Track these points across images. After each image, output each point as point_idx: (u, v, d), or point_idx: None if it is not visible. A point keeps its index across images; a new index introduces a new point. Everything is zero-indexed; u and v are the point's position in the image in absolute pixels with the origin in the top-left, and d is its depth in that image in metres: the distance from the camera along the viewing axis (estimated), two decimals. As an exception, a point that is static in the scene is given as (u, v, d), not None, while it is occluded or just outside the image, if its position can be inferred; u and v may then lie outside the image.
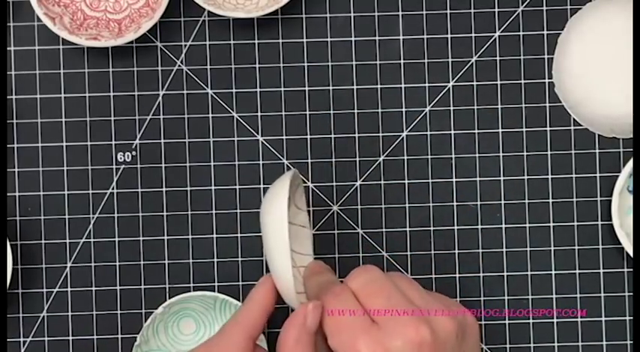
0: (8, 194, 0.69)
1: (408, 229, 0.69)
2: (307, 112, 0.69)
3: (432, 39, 0.69)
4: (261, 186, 0.69)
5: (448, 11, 0.70)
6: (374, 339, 0.52)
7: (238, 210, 0.69)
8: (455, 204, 0.69)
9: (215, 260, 0.69)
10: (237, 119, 0.69)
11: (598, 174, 0.69)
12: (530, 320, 0.69)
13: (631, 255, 0.67)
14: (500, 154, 0.69)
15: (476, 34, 0.69)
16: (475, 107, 0.69)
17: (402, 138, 0.69)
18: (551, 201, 0.69)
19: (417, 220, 0.69)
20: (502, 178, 0.69)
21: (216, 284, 0.69)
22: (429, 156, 0.69)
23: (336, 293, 0.55)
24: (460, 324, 0.55)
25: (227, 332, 0.58)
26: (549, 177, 0.69)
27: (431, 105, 0.69)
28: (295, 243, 0.62)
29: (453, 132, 0.69)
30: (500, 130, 0.69)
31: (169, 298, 0.66)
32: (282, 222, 0.56)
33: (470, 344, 0.55)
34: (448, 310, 0.54)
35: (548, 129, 0.69)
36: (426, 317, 0.53)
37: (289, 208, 0.57)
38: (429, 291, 0.56)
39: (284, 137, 0.69)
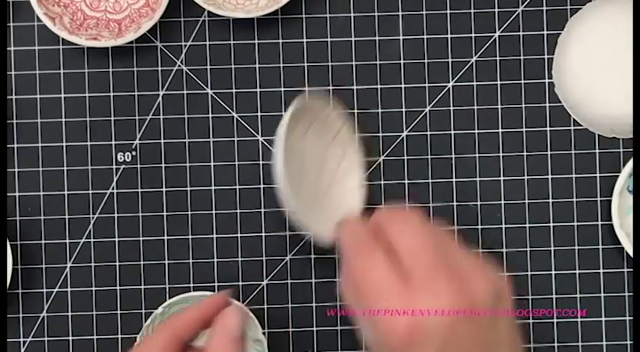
0: (8, 194, 0.69)
1: (408, 229, 0.69)
2: (307, 112, 0.69)
3: (432, 39, 0.69)
4: (261, 186, 0.69)
5: (448, 11, 0.70)
6: (405, 302, 0.49)
7: (238, 210, 0.69)
8: (455, 204, 0.69)
9: (215, 260, 0.69)
10: (237, 119, 0.69)
11: (598, 174, 0.69)
12: (531, 320, 0.69)
13: (631, 254, 0.67)
14: (500, 154, 0.69)
15: (476, 34, 0.69)
16: (475, 107, 0.69)
17: (402, 138, 0.69)
18: (551, 201, 0.69)
19: (417, 220, 0.69)
20: (502, 178, 0.69)
21: (216, 284, 0.69)
22: (429, 156, 0.69)
23: (368, 251, 0.52)
24: (496, 288, 0.51)
25: (156, 332, 0.59)
26: (549, 177, 0.69)
27: (431, 105, 0.69)
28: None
29: (453, 132, 0.69)
30: (500, 130, 0.69)
31: (169, 298, 0.66)
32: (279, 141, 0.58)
33: (504, 307, 0.51)
34: (486, 273, 0.51)
35: (548, 129, 0.69)
36: (463, 281, 0.50)
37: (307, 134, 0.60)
38: (464, 249, 0.53)
39: (284, 137, 0.69)
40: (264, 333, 0.66)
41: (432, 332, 0.49)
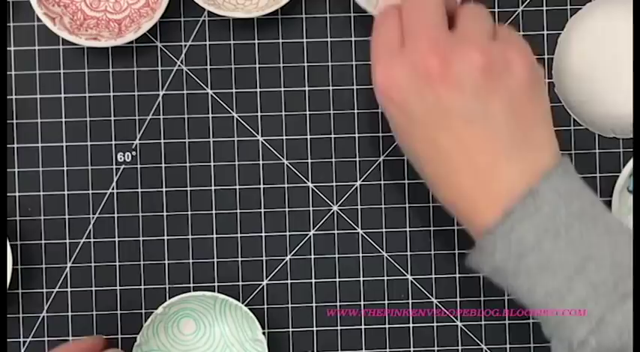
0: (8, 194, 0.69)
1: (408, 229, 0.69)
2: (307, 112, 0.69)
3: (432, 39, 0.69)
4: (261, 186, 0.69)
5: (448, 11, 0.69)
6: (392, 63, 0.56)
7: (238, 210, 0.69)
8: (455, 204, 0.69)
9: (215, 260, 0.69)
10: (237, 119, 0.69)
11: (598, 174, 0.69)
12: (530, 320, 0.69)
13: (631, 255, 0.67)
14: (500, 154, 0.69)
15: (476, 34, 0.69)
16: (475, 107, 0.69)
17: (402, 138, 0.69)
18: (551, 201, 0.69)
19: (417, 220, 0.69)
20: (502, 178, 0.69)
21: (216, 284, 0.69)
22: (429, 156, 0.69)
23: (385, 17, 0.58)
24: (491, 61, 0.54)
25: None
26: (549, 177, 0.69)
27: (431, 105, 0.69)
28: None
29: (453, 132, 0.69)
30: (500, 130, 0.69)
31: (169, 298, 0.66)
32: None
33: (516, 81, 0.55)
34: (488, 48, 0.55)
35: (548, 129, 0.69)
36: (445, 49, 0.55)
37: None
38: (502, 31, 0.57)
39: (284, 137, 0.69)
40: (264, 333, 0.66)
41: (398, 88, 0.56)
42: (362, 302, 0.69)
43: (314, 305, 0.69)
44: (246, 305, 0.67)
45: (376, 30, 0.58)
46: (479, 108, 0.54)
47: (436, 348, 0.69)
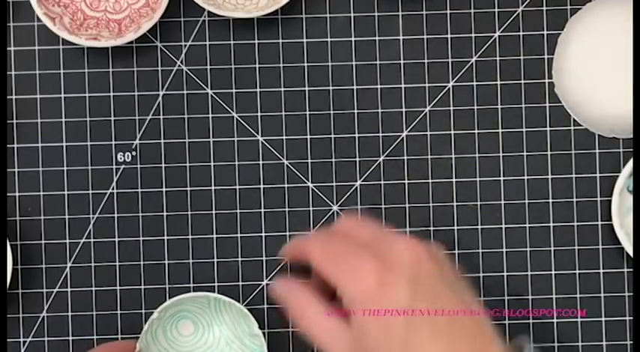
0: (8, 194, 0.69)
1: (408, 229, 0.69)
2: (307, 112, 0.69)
3: (432, 39, 0.69)
4: (261, 186, 0.69)
5: (448, 11, 0.70)
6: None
7: (238, 210, 0.69)
8: (455, 204, 0.69)
9: (215, 260, 0.69)
10: (237, 119, 0.69)
11: (598, 174, 0.69)
12: (530, 320, 0.69)
13: (631, 255, 0.67)
14: (500, 154, 0.69)
15: (476, 34, 0.69)
16: (475, 107, 0.69)
17: (402, 138, 0.69)
18: (551, 201, 0.69)
19: (417, 220, 0.69)
20: (502, 178, 0.69)
21: (216, 284, 0.69)
22: (429, 156, 0.69)
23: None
24: (416, 252, 0.53)
25: None
26: (549, 177, 0.69)
27: (431, 105, 0.69)
28: None
29: (453, 132, 0.69)
30: (500, 130, 0.69)
31: (169, 298, 0.66)
32: None
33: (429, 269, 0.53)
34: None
35: (548, 129, 0.69)
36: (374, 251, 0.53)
37: None
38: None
39: (284, 137, 0.69)
40: (264, 334, 0.66)
41: None
42: (362, 302, 0.69)
43: (314, 305, 0.69)
44: (246, 306, 0.67)
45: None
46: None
47: (436, 348, 0.69)
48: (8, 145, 0.69)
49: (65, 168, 0.69)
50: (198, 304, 0.67)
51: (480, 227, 0.69)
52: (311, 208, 0.69)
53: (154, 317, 0.65)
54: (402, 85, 0.69)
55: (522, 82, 0.69)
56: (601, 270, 0.69)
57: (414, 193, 0.69)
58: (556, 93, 0.69)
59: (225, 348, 0.68)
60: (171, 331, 0.68)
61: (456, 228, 0.69)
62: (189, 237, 0.69)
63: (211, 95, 0.69)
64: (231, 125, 0.69)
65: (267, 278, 0.69)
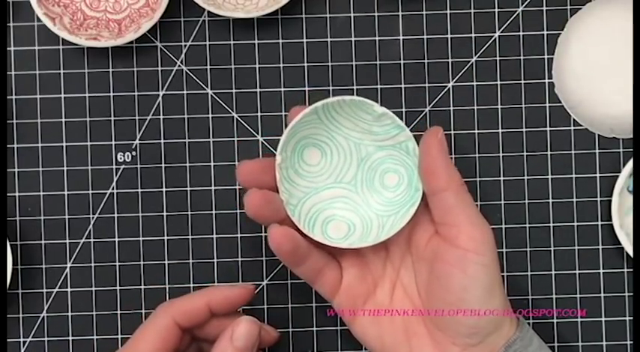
0: (8, 194, 0.69)
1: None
2: (307, 112, 0.69)
3: (432, 39, 0.69)
4: (261, 186, 0.69)
5: (448, 11, 0.70)
6: None
7: (238, 210, 0.69)
8: (455, 204, 0.69)
9: (215, 260, 0.69)
10: (237, 119, 0.69)
11: (598, 174, 0.69)
12: (531, 320, 0.69)
13: (631, 255, 0.67)
14: (500, 154, 0.69)
15: (476, 34, 0.69)
16: (475, 107, 0.69)
17: (402, 138, 0.69)
18: (551, 201, 0.69)
19: (417, 220, 0.69)
20: (502, 178, 0.69)
21: (216, 284, 0.69)
22: (429, 156, 0.69)
23: None
24: None
25: (156, 315, 0.60)
26: (549, 177, 0.69)
27: (431, 105, 0.69)
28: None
29: (453, 132, 0.69)
30: (500, 130, 0.69)
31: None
32: None
33: None
34: None
35: (548, 129, 0.69)
36: None
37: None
38: None
39: (284, 137, 0.69)
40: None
41: None
42: (362, 302, 0.69)
43: (314, 305, 0.69)
44: (246, 306, 0.67)
45: None
46: None
47: (436, 348, 0.69)
48: (8, 145, 0.69)
49: (65, 168, 0.69)
50: (311, 125, 0.61)
51: (480, 227, 0.69)
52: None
53: (278, 163, 0.60)
54: (402, 85, 0.69)
55: (522, 81, 0.69)
56: (601, 270, 0.69)
57: (414, 193, 0.69)
58: (556, 93, 0.69)
59: (362, 149, 0.63)
60: (301, 166, 0.63)
61: (456, 228, 0.69)
62: (189, 237, 0.69)
63: (211, 95, 0.70)
64: (231, 125, 0.69)
65: (267, 278, 0.69)
